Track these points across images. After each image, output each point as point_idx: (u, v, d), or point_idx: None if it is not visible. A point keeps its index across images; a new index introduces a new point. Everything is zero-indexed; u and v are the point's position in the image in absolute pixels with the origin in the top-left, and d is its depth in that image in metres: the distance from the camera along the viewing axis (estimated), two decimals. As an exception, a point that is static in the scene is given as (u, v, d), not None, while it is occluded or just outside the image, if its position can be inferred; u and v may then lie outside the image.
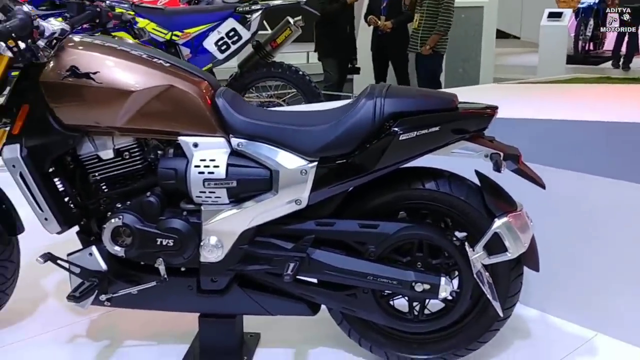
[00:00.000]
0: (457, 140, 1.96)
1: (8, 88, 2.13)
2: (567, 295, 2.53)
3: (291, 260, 2.02)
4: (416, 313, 2.15)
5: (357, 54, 7.72)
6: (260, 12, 4.90)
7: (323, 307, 2.19)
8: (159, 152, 2.09)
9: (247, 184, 1.99)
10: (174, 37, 4.73)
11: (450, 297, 2.10)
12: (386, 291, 2.13)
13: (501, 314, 2.04)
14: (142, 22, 4.47)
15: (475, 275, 1.98)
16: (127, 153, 2.07)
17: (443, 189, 2.01)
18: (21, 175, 2.06)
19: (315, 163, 1.96)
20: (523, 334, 2.45)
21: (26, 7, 1.95)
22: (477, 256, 1.98)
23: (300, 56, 9.75)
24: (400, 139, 1.91)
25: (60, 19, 2.14)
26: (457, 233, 2.08)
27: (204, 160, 1.99)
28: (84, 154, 2.08)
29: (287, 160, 1.97)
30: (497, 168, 1.91)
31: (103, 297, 2.11)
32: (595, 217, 2.43)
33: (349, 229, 2.05)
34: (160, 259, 2.05)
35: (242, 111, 2.04)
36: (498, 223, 1.96)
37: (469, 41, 8.43)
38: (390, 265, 2.05)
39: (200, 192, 1.99)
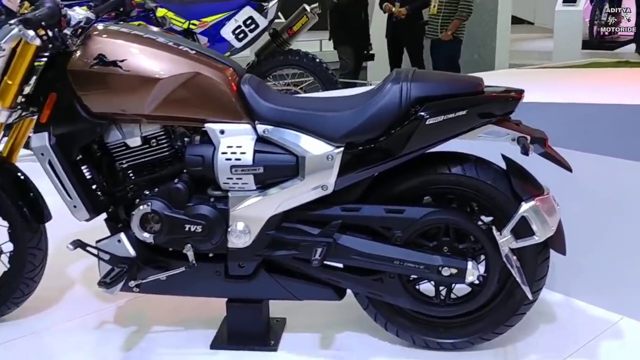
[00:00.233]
0: (483, 124, 1.95)
1: (34, 77, 2.15)
2: (592, 279, 2.52)
3: (318, 245, 2.03)
4: (442, 297, 2.16)
5: (372, 41, 7.69)
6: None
7: (347, 292, 2.20)
8: (186, 139, 2.10)
9: (274, 170, 2.00)
10: (191, 26, 4.74)
11: (477, 282, 2.10)
12: (412, 276, 2.14)
13: (530, 297, 2.04)
14: (160, 12, 4.47)
15: (504, 259, 1.99)
16: (154, 140, 2.08)
17: (469, 173, 2.01)
18: (50, 164, 2.08)
19: (342, 149, 1.97)
20: (548, 318, 2.44)
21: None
22: (505, 240, 1.97)
23: (313, 44, 9.73)
24: (426, 123, 1.91)
25: (85, 7, 2.15)
26: (482, 217, 2.09)
27: (231, 147, 2.00)
28: (111, 142, 2.09)
29: (313, 146, 1.98)
30: (525, 151, 1.91)
31: (132, 283, 2.14)
32: (620, 200, 2.42)
33: (375, 214, 2.05)
34: (189, 244, 2.07)
35: (268, 97, 2.05)
36: (525, 207, 1.95)
37: (484, 27, 8.37)
38: (417, 250, 2.06)
39: (228, 178, 2.00)
